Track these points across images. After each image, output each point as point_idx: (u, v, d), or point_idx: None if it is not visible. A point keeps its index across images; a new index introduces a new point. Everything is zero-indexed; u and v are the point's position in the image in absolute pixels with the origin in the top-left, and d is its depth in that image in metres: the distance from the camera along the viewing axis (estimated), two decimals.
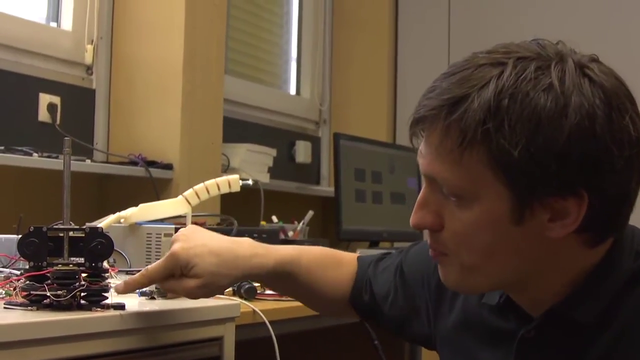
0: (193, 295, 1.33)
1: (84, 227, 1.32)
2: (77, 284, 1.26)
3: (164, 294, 1.52)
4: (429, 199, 1.13)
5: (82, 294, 1.27)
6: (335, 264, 1.47)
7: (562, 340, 1.13)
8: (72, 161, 1.36)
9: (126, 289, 1.31)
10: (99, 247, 1.29)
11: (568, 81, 1.05)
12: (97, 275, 1.30)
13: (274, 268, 1.38)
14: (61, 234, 1.30)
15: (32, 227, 1.29)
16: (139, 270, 1.79)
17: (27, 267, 1.29)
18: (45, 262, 1.28)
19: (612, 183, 1.06)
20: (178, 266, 1.30)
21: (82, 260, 1.29)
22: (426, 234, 1.17)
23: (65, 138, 1.38)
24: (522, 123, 1.03)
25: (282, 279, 1.41)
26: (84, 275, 1.28)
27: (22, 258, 1.32)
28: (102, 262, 1.31)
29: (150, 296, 1.47)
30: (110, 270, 1.34)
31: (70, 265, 1.27)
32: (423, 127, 1.10)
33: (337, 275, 1.46)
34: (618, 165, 1.05)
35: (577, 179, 1.05)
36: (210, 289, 1.33)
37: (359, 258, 1.49)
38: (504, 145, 1.03)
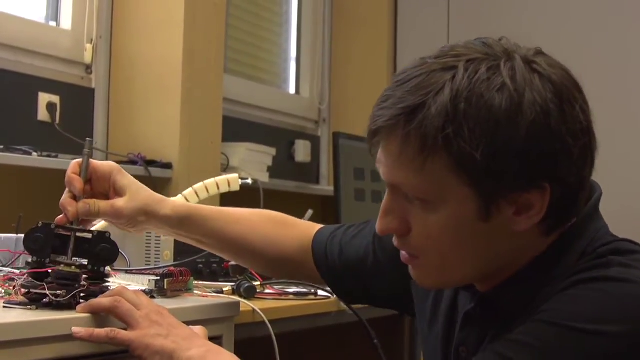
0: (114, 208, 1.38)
1: (92, 230, 1.33)
2: (77, 285, 1.26)
3: (163, 294, 1.52)
4: (393, 206, 1.15)
5: (82, 295, 1.28)
6: (279, 223, 1.55)
7: (497, 318, 1.17)
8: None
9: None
10: (104, 252, 1.30)
11: (519, 79, 1.07)
12: (99, 278, 1.30)
13: (182, 207, 1.46)
14: (68, 233, 1.31)
15: (40, 222, 1.30)
16: (139, 269, 1.80)
17: (29, 261, 1.29)
18: (48, 259, 1.28)
19: (571, 172, 1.10)
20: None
21: (85, 262, 1.30)
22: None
23: (88, 139, 1.40)
24: (481, 125, 1.05)
25: (189, 223, 1.46)
26: (85, 276, 1.29)
27: (26, 252, 1.32)
28: (105, 267, 1.31)
29: (150, 295, 1.47)
30: (112, 274, 1.34)
31: (73, 267, 1.28)
32: (381, 137, 1.12)
33: (284, 233, 1.52)
34: (575, 154, 1.09)
35: (539, 173, 1.08)
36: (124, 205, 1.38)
37: (315, 228, 1.56)
38: (465, 148, 1.05)
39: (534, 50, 1.12)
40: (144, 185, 1.44)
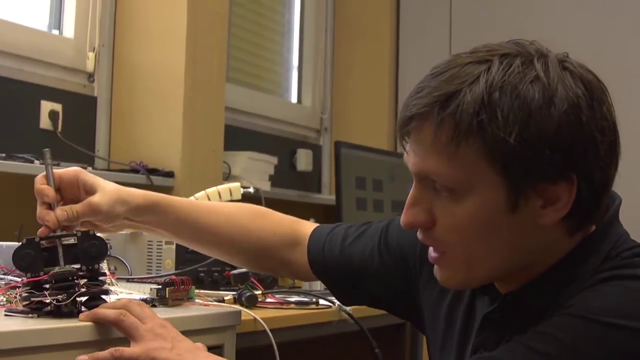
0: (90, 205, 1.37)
1: (75, 232, 1.33)
2: (76, 287, 1.26)
3: (165, 302, 1.52)
4: (419, 198, 1.17)
5: (83, 300, 1.28)
6: (259, 215, 1.53)
7: (518, 319, 1.17)
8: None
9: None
10: (93, 249, 1.30)
11: (552, 74, 1.11)
12: (95, 278, 1.30)
13: (153, 194, 1.46)
14: (53, 244, 1.31)
15: (24, 240, 1.30)
16: (140, 278, 1.80)
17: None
18: (42, 272, 1.28)
19: (598, 167, 1.12)
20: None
21: (78, 266, 1.30)
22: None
23: (45, 150, 1.39)
24: (514, 113, 1.08)
25: (161, 210, 1.45)
26: (82, 280, 1.28)
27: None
28: (98, 264, 1.31)
29: (152, 304, 1.47)
30: (108, 274, 1.34)
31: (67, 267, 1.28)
32: (414, 125, 1.13)
33: (265, 224, 1.51)
34: (602, 150, 1.12)
35: (568, 164, 1.10)
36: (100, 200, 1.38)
37: (300, 222, 1.55)
38: (498, 134, 1.08)
39: (562, 54, 1.16)
40: (110, 181, 1.44)
